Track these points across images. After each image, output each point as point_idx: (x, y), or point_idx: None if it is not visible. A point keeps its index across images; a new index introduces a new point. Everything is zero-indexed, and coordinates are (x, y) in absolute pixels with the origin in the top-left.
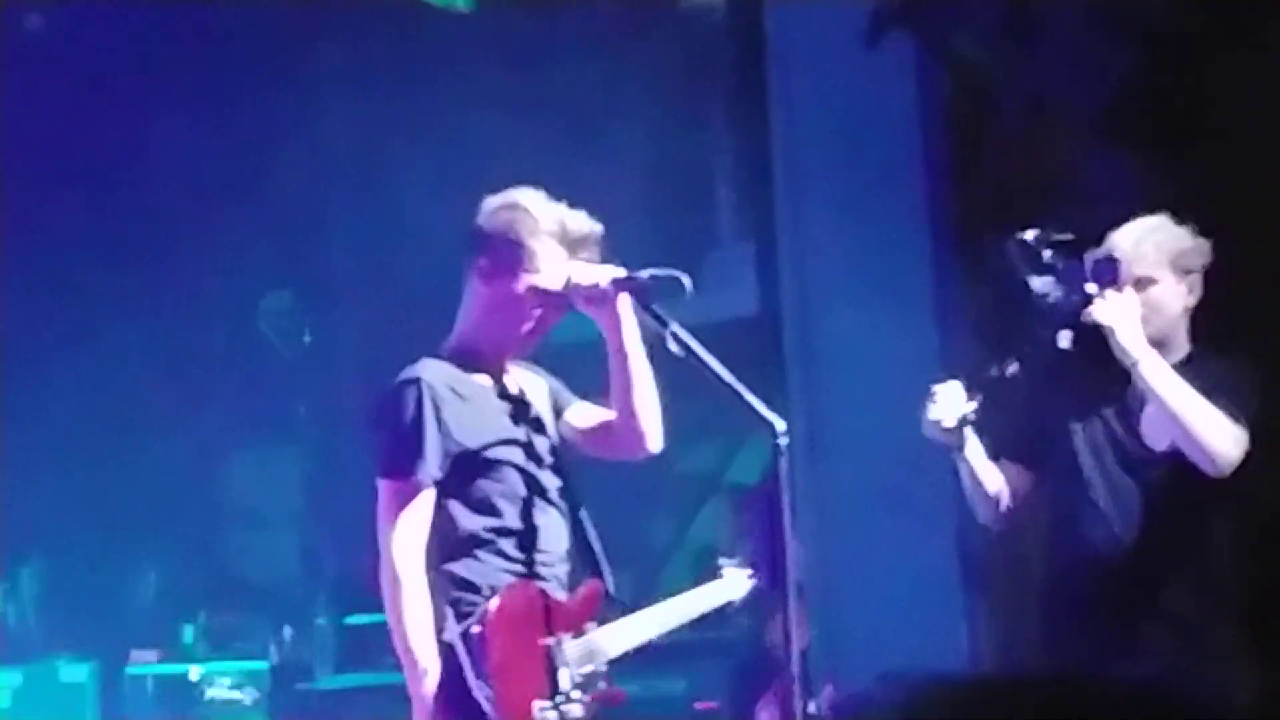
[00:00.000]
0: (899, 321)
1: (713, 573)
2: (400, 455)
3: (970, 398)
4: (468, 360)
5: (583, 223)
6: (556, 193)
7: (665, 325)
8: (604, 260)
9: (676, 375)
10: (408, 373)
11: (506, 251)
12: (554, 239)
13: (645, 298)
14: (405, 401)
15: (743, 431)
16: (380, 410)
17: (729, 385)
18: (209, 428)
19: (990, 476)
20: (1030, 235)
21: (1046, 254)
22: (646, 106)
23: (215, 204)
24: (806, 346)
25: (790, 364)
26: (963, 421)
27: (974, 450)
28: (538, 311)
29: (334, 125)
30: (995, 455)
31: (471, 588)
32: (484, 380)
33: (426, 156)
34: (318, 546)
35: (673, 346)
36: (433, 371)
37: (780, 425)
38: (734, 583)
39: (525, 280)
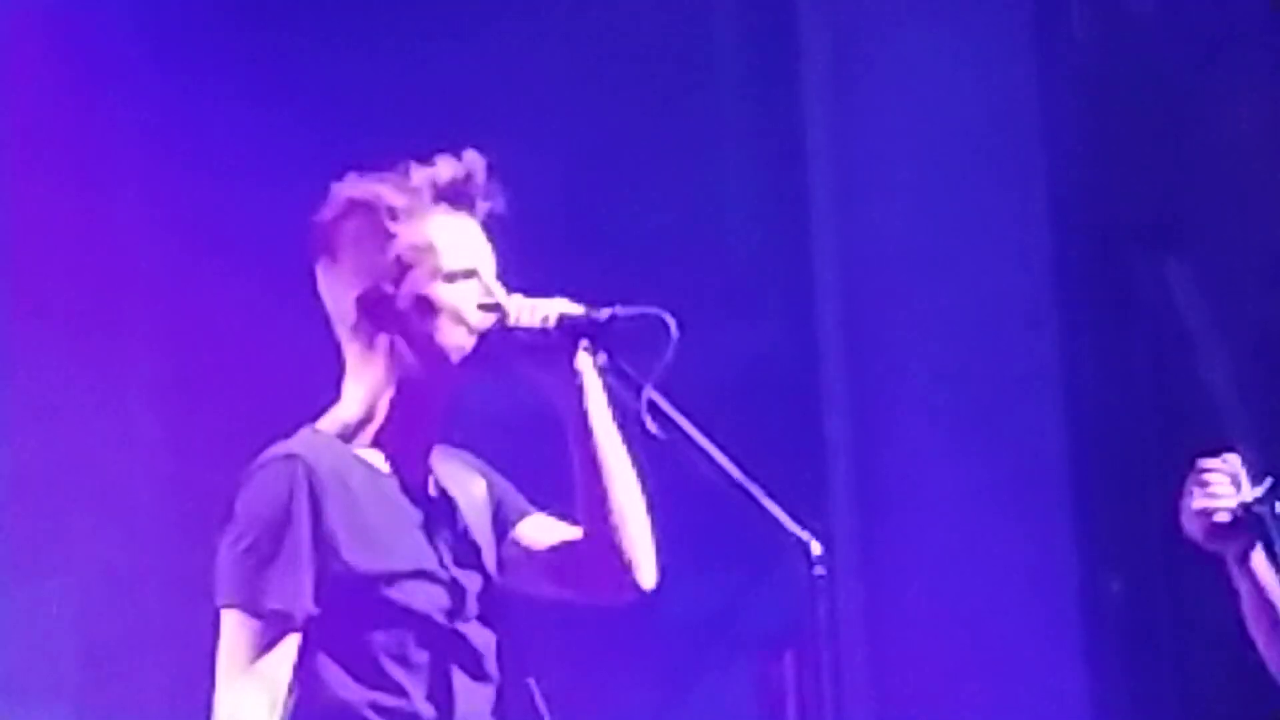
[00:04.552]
0: (1006, 374)
1: None
2: (255, 572)
3: (1259, 480)
4: (360, 436)
5: (452, 165)
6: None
7: (638, 390)
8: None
9: (662, 470)
10: (277, 449)
11: (370, 239)
12: (428, 197)
13: (607, 347)
14: (271, 491)
15: (764, 558)
16: (231, 506)
17: (737, 485)
18: None
19: None
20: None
21: None
22: (602, 26)
23: None
24: (859, 419)
25: (835, 446)
26: (1246, 513)
27: (1262, 562)
28: (460, 329)
29: None
30: None
31: None
32: (383, 467)
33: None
34: None
35: (649, 424)
36: (316, 449)
37: (816, 548)
38: None
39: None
